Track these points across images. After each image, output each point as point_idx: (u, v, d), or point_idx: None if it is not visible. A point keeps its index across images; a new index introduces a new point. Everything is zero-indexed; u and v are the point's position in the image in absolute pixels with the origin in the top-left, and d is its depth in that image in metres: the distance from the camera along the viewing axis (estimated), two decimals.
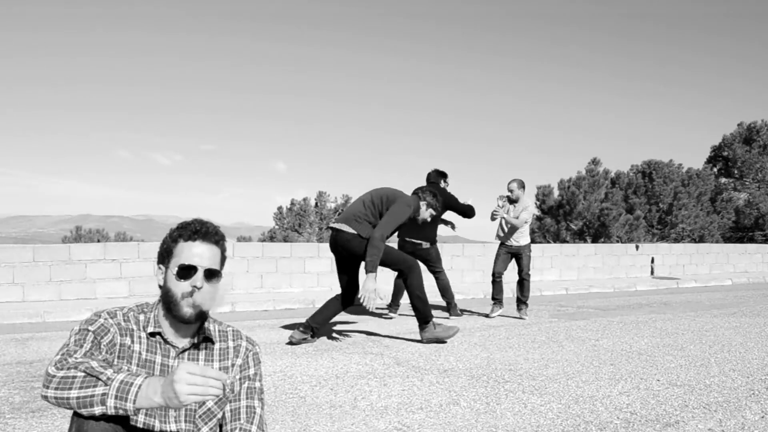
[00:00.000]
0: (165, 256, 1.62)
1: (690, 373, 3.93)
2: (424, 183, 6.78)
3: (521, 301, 6.85)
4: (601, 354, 4.61)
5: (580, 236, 21.29)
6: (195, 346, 1.64)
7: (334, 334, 5.41)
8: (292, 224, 22.50)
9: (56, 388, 1.35)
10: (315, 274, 9.78)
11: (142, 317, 1.62)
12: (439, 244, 6.80)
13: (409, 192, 5.27)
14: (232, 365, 1.67)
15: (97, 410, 1.32)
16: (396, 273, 5.90)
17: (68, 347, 1.45)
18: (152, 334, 1.60)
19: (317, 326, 4.94)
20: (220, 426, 1.62)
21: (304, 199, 23.19)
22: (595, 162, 22.39)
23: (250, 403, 1.62)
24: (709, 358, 4.45)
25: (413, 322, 6.40)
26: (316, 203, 23.23)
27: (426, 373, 3.95)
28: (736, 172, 24.54)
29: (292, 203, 23.07)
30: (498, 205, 6.74)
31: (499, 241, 6.94)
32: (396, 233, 5.82)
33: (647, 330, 5.79)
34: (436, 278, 6.74)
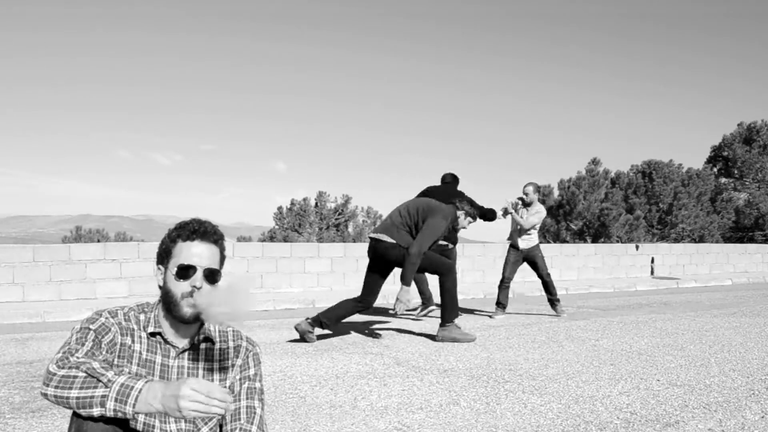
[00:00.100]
0: (164, 256, 1.62)
1: (690, 373, 3.93)
2: (430, 183, 6.82)
3: (552, 301, 6.90)
4: (601, 354, 4.61)
5: (580, 236, 21.29)
6: (195, 346, 1.64)
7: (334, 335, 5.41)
8: (292, 224, 22.48)
9: (56, 387, 1.35)
10: (315, 274, 9.78)
11: (142, 317, 1.62)
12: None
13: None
14: (232, 365, 1.67)
15: (96, 412, 1.32)
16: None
17: (69, 346, 1.45)
18: (153, 334, 1.60)
19: (327, 321, 5.00)
20: (220, 426, 1.62)
21: (304, 199, 23.17)
22: (595, 162, 22.40)
23: (250, 403, 1.62)
24: (709, 358, 4.45)
25: (413, 323, 6.41)
26: (316, 203, 23.20)
27: (426, 373, 3.95)
28: (736, 172, 24.54)
29: (292, 203, 23.04)
30: (511, 203, 6.75)
31: (509, 244, 6.94)
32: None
33: (647, 330, 5.79)
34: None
